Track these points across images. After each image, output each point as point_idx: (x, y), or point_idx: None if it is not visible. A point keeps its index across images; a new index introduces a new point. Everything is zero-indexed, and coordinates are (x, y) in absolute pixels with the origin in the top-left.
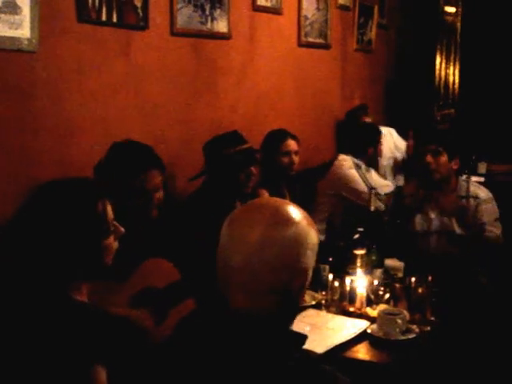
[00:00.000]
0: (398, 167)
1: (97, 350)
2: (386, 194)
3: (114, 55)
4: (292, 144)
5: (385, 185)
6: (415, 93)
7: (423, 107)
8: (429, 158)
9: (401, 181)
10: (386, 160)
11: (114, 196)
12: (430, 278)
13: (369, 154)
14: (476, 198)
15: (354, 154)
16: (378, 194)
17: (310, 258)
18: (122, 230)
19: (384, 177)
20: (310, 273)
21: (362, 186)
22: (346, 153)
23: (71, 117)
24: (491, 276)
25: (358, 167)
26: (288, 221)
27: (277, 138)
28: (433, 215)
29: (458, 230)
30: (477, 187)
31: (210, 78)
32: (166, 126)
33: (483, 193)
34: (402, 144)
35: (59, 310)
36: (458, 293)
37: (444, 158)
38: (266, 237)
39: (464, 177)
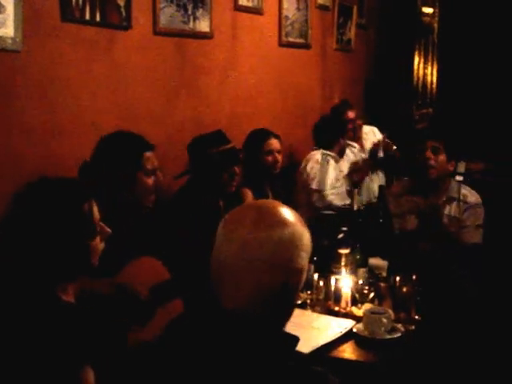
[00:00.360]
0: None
1: (85, 351)
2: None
3: (98, 54)
4: (275, 143)
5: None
6: (394, 92)
7: (402, 106)
8: (428, 154)
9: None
10: (369, 159)
11: (105, 193)
12: (414, 276)
13: (340, 144)
14: (465, 202)
15: (324, 148)
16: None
17: (304, 259)
18: (109, 230)
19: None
20: (305, 274)
21: (318, 184)
22: (315, 148)
23: (55, 115)
24: (473, 277)
25: (325, 159)
26: (283, 222)
27: (260, 137)
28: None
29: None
30: (468, 191)
31: (193, 77)
32: (149, 125)
33: (473, 197)
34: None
35: (47, 311)
36: (441, 292)
37: (443, 157)
38: (262, 238)
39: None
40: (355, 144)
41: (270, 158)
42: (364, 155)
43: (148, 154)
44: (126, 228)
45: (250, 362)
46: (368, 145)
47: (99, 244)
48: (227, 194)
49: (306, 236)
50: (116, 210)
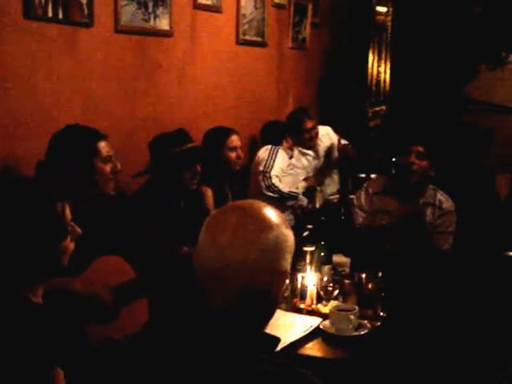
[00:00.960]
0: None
1: (55, 352)
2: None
3: (60, 52)
4: (236, 139)
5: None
6: (348, 90)
7: (356, 104)
8: (413, 158)
9: (336, 183)
10: (322, 159)
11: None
12: (379, 273)
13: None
14: (440, 207)
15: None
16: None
17: (288, 261)
18: (79, 230)
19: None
20: (288, 275)
21: (263, 165)
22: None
23: (17, 112)
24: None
25: (274, 149)
26: (268, 226)
27: (221, 134)
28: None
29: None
30: (443, 197)
31: (153, 75)
32: (108, 123)
33: (448, 203)
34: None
35: (17, 312)
36: (407, 289)
37: (425, 163)
38: (246, 243)
39: None
40: (310, 152)
41: (233, 155)
42: (318, 161)
43: (101, 142)
44: (91, 226)
45: (232, 363)
46: (322, 148)
47: (70, 244)
48: (187, 193)
49: (290, 238)
50: (80, 207)
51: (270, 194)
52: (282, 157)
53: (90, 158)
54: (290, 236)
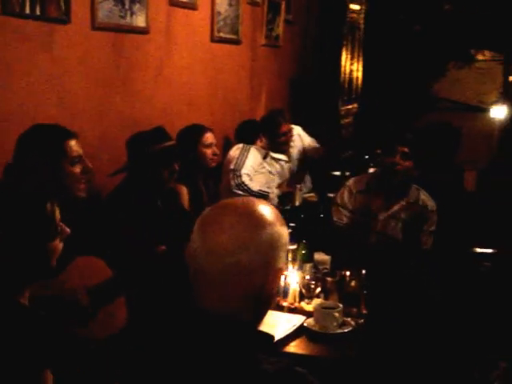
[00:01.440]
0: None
1: (45, 356)
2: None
3: (38, 48)
4: (211, 137)
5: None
6: (321, 88)
7: (328, 102)
8: (398, 159)
9: (309, 182)
10: (295, 162)
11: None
12: (363, 271)
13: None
14: (424, 207)
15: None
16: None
17: (283, 258)
18: (68, 230)
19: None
20: (282, 272)
21: (234, 163)
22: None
23: None
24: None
25: (246, 147)
26: (263, 223)
27: (196, 131)
28: (380, 216)
29: (399, 236)
30: (426, 197)
31: (128, 72)
32: (85, 121)
33: (431, 203)
34: (308, 140)
35: (6, 315)
36: (389, 287)
37: (409, 163)
38: (242, 241)
39: None
40: (282, 157)
41: (209, 152)
42: (290, 165)
43: (70, 141)
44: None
45: (231, 363)
46: (294, 150)
47: (59, 245)
48: (164, 191)
49: (284, 235)
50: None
51: (240, 193)
52: (253, 155)
53: (57, 160)
54: (283, 233)
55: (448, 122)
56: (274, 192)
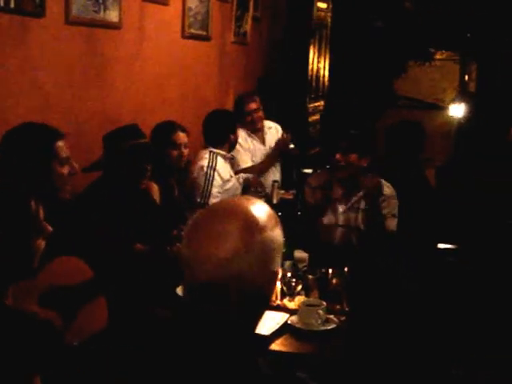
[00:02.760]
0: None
1: (33, 358)
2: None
3: (11, 42)
4: (182, 137)
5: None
6: (288, 85)
7: (296, 99)
8: (338, 156)
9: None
10: (269, 150)
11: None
12: (345, 269)
13: (230, 140)
14: (382, 194)
15: (214, 145)
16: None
17: (278, 261)
18: (50, 229)
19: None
20: (278, 274)
21: (214, 186)
22: (206, 146)
23: None
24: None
25: (213, 161)
26: (254, 228)
27: (166, 130)
28: (340, 209)
29: (362, 226)
30: (385, 184)
31: (102, 67)
32: (58, 117)
33: (388, 189)
34: None
35: None
36: (365, 283)
37: (353, 156)
38: (234, 249)
39: None
40: (255, 137)
41: (175, 152)
42: (263, 149)
43: (60, 142)
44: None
45: (230, 367)
46: (269, 139)
47: (42, 243)
48: (138, 189)
49: (277, 238)
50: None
51: None
52: (220, 173)
53: (47, 160)
54: (276, 236)
55: (415, 121)
56: (240, 176)
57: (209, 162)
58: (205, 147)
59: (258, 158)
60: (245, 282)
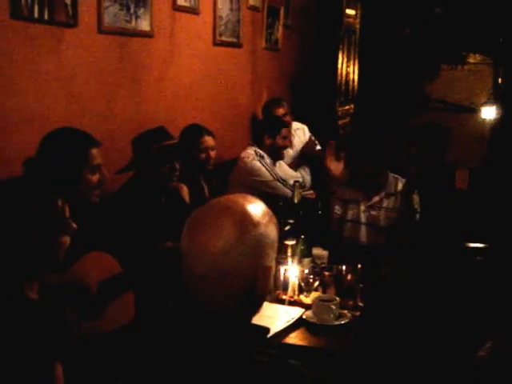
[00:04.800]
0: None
1: (55, 348)
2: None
3: (46, 52)
4: (208, 140)
5: (294, 176)
6: (319, 89)
7: (326, 103)
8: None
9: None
10: (297, 152)
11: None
12: (359, 266)
13: (267, 145)
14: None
15: (258, 145)
16: (288, 184)
17: (272, 256)
18: (75, 226)
19: (294, 168)
20: (273, 269)
21: (266, 175)
22: (252, 144)
23: (2, 113)
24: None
25: (261, 157)
26: (248, 224)
27: (193, 134)
28: (362, 207)
29: (383, 223)
30: (403, 183)
31: (134, 74)
32: (92, 122)
33: None
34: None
35: (15, 308)
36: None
37: (369, 168)
38: (228, 244)
39: None
40: None
41: (202, 155)
42: (292, 152)
43: (94, 150)
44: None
45: (225, 355)
46: (297, 141)
47: (67, 239)
48: (168, 189)
49: (270, 234)
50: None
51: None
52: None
53: (78, 166)
54: (269, 232)
55: (437, 123)
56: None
57: (257, 155)
58: (250, 146)
59: (288, 160)
60: (239, 275)
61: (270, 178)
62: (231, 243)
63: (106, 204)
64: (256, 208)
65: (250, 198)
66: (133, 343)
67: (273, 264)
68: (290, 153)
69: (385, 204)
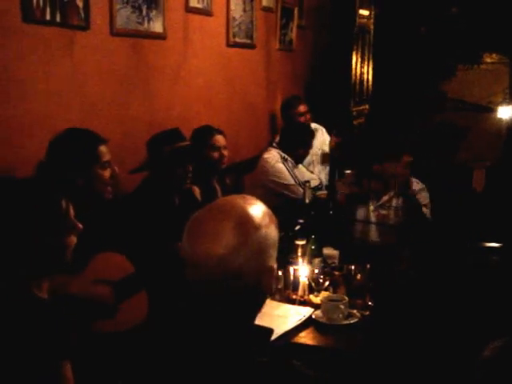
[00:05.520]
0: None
1: (64, 348)
2: (312, 188)
3: (58, 55)
4: (220, 139)
5: (311, 178)
6: (333, 90)
7: (341, 103)
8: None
9: (324, 173)
10: (314, 154)
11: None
12: (368, 265)
13: (299, 154)
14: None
15: (283, 150)
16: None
17: (273, 256)
18: (81, 226)
19: (310, 169)
20: (274, 270)
21: (288, 178)
22: (275, 146)
23: (16, 116)
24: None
25: (284, 160)
26: (249, 226)
27: (204, 133)
28: (372, 207)
29: (393, 222)
30: (414, 181)
31: (147, 76)
32: (105, 124)
33: (417, 185)
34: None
35: (24, 307)
36: (389, 279)
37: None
38: (233, 248)
39: None
40: None
41: (215, 154)
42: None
43: (102, 147)
44: (89, 223)
45: (225, 356)
46: (315, 144)
47: (74, 239)
48: (182, 191)
49: (271, 235)
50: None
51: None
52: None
53: (90, 164)
54: (271, 233)
55: (450, 123)
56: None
57: (281, 158)
58: (274, 147)
59: (306, 160)
60: (242, 278)
61: (292, 181)
62: (233, 248)
63: (120, 204)
64: (256, 210)
65: (250, 199)
66: (139, 343)
67: (275, 264)
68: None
69: (394, 203)
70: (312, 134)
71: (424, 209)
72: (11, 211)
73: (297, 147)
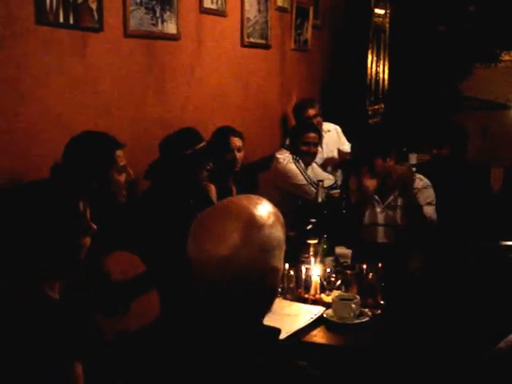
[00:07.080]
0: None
1: (74, 347)
2: (326, 187)
3: (71, 56)
4: (235, 141)
5: (326, 178)
6: (349, 89)
7: (356, 103)
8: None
9: (339, 174)
10: (329, 154)
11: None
12: (379, 264)
13: (300, 150)
14: (414, 188)
15: (290, 151)
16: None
17: (278, 257)
18: (95, 227)
19: (325, 169)
20: (281, 270)
21: (301, 179)
22: (286, 148)
23: (29, 117)
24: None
25: (296, 161)
26: (257, 225)
27: (221, 134)
28: (378, 209)
29: (400, 222)
30: (418, 177)
31: (161, 77)
32: (120, 125)
33: (421, 182)
34: (345, 141)
35: (36, 308)
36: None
37: (379, 161)
38: (237, 249)
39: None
40: None
41: (229, 156)
42: (320, 149)
43: (119, 151)
44: (102, 223)
45: (233, 358)
46: (327, 142)
47: (88, 240)
48: (196, 191)
49: (276, 236)
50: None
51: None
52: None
53: (106, 168)
54: (275, 234)
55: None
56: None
57: (294, 159)
58: (284, 150)
59: (319, 160)
60: (247, 279)
61: (304, 181)
62: (237, 249)
63: (134, 204)
64: (261, 210)
65: (255, 198)
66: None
67: (280, 264)
68: (319, 153)
69: (399, 202)
70: (307, 127)
71: (428, 207)
72: (29, 212)
73: (296, 144)
